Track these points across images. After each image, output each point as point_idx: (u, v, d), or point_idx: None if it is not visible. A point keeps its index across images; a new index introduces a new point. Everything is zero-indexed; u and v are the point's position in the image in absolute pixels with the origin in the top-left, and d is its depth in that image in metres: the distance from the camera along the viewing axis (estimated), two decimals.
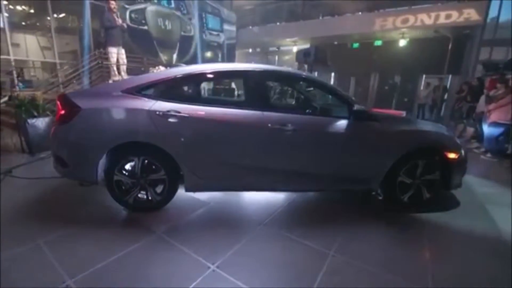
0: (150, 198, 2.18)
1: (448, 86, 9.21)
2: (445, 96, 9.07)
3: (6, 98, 4.62)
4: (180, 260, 1.66)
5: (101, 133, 2.05)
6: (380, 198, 2.60)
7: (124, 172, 2.12)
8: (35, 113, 3.68)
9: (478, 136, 5.38)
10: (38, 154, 3.64)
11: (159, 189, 2.19)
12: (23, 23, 10.76)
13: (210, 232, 1.98)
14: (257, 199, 2.54)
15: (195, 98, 2.20)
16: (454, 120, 6.81)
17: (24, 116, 3.59)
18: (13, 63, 7.29)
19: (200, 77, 2.28)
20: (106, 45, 5.54)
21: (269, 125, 2.08)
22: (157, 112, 2.03)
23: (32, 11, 10.49)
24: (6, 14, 8.08)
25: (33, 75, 10.59)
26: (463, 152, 2.49)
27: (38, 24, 10.76)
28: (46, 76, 9.57)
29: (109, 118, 2.05)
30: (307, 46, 12.11)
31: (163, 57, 9.24)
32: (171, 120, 2.03)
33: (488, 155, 4.60)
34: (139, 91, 2.11)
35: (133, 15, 8.60)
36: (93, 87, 2.81)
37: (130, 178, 2.13)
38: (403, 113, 6.66)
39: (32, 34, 11.00)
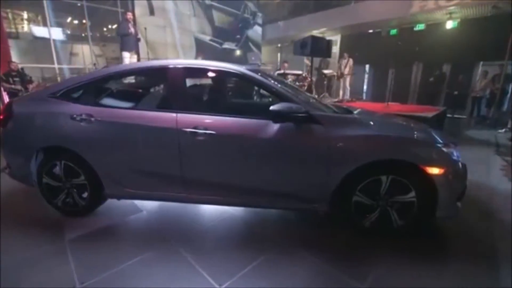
0: (76, 202, 2.15)
1: None
2: (511, 87, 7.23)
3: None
4: (57, 273, 1.59)
5: (27, 137, 2.10)
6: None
7: (50, 175, 2.12)
8: None
9: None
10: None
11: (85, 194, 2.14)
12: (83, 35, 12.34)
13: (110, 246, 1.86)
14: (197, 211, 2.31)
15: (112, 100, 2.07)
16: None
17: None
18: (57, 71, 8.41)
19: (117, 77, 2.13)
20: (121, 50, 6.13)
21: (184, 129, 1.82)
22: (73, 116, 1.97)
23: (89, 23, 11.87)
24: (56, 28, 9.41)
25: None
26: (456, 166, 1.82)
27: (91, 35, 12.17)
28: None
29: (32, 122, 2.10)
30: (336, 37, 11.14)
31: None
32: (83, 124, 1.95)
33: None
34: (63, 94, 2.09)
35: None
36: (34, 91, 2.92)
37: (56, 181, 2.13)
38: (439, 110, 5.51)
39: (87, 44, 12.55)
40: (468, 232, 2.04)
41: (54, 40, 10.04)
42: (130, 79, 2.33)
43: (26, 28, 13.13)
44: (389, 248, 1.80)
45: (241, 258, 1.70)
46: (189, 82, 2.08)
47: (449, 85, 8.67)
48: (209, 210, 2.31)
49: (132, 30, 6.00)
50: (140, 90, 2.33)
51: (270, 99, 2.59)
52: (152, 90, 2.35)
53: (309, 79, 7.31)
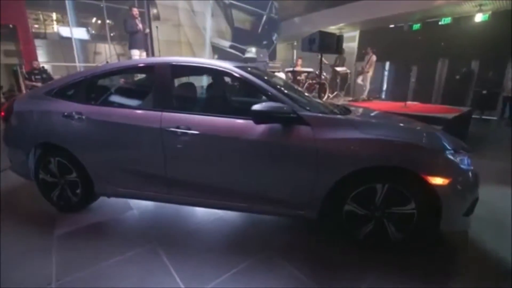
0: (69, 198, 2.19)
1: None
2: None
3: None
4: (37, 269, 1.61)
5: (24, 133, 2.17)
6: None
7: (46, 171, 2.17)
8: None
9: None
10: None
11: (78, 190, 2.17)
12: (105, 34, 12.84)
13: (94, 244, 1.86)
14: (188, 212, 2.27)
15: (101, 98, 2.06)
16: None
17: None
18: (78, 69, 8.81)
19: (106, 76, 2.12)
20: (129, 48, 6.12)
21: (167, 128, 1.77)
22: (64, 114, 1.99)
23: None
24: (81, 28, 9.86)
25: None
26: (464, 176, 1.62)
27: (113, 34, 12.64)
28: None
29: (28, 119, 2.16)
30: (355, 33, 10.69)
31: None
32: (74, 122, 1.97)
33: None
34: (57, 92, 2.12)
35: None
36: (35, 89, 3.00)
37: (51, 177, 2.17)
38: (461, 111, 5.06)
39: (110, 43, 13.01)
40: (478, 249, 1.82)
41: (79, 40, 10.55)
42: (121, 77, 2.33)
43: (55, 29, 13.90)
44: (382, 263, 1.64)
45: (220, 264, 1.63)
46: (178, 80, 2.04)
47: (477, 83, 8.01)
48: (200, 211, 2.26)
49: (140, 26, 5.89)
50: (129, 88, 2.32)
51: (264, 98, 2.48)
52: (140, 88, 2.33)
53: (322, 77, 7.05)
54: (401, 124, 1.99)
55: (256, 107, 1.55)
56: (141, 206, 2.36)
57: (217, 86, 2.34)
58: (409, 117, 3.43)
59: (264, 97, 1.78)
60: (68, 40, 10.93)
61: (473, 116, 6.13)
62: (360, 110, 2.41)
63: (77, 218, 2.16)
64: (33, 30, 11.29)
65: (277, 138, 1.65)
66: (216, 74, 2.22)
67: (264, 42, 10.44)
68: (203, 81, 2.35)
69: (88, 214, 2.23)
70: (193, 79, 2.26)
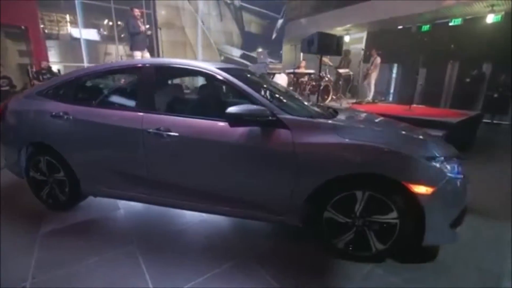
0: (58, 197, 2.22)
1: None
2: None
3: None
4: (15, 266, 1.63)
5: (15, 132, 2.22)
6: None
7: (35, 169, 2.21)
8: None
9: None
10: None
11: (67, 189, 2.20)
12: (115, 36, 13.07)
13: (76, 242, 1.88)
14: (174, 213, 2.25)
15: (86, 99, 2.08)
16: None
17: None
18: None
19: (93, 76, 2.14)
20: (131, 49, 6.18)
21: (148, 129, 1.77)
22: (52, 114, 2.03)
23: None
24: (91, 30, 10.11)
25: None
26: (451, 185, 1.54)
27: (123, 35, 12.87)
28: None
29: (19, 118, 2.20)
30: (362, 34, 10.50)
31: None
32: (60, 121, 2.00)
33: None
34: (48, 92, 2.16)
35: None
36: (29, 89, 3.07)
37: (40, 175, 2.22)
38: (468, 115, 4.86)
39: (120, 44, 13.24)
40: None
41: (90, 41, 10.83)
42: (108, 78, 2.36)
43: (67, 30, 14.30)
44: (358, 274, 1.58)
45: (195, 268, 1.61)
46: (166, 81, 2.03)
47: (488, 87, 7.71)
48: (188, 213, 2.24)
49: (143, 28, 5.94)
50: (114, 89, 2.34)
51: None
52: (124, 89, 2.35)
53: (326, 79, 6.96)
54: (389, 129, 1.91)
55: (230, 109, 1.53)
56: (128, 206, 2.37)
57: (201, 88, 2.34)
58: (413, 120, 3.34)
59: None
60: (79, 41, 11.22)
61: (484, 120, 5.89)
62: (351, 113, 2.34)
63: (64, 217, 2.19)
64: (47, 31, 11.63)
65: (254, 141, 1.62)
66: (199, 76, 2.21)
67: (281, 52, 9.53)
68: (187, 82, 2.34)
69: (76, 212, 2.26)
70: (178, 81, 2.27)
